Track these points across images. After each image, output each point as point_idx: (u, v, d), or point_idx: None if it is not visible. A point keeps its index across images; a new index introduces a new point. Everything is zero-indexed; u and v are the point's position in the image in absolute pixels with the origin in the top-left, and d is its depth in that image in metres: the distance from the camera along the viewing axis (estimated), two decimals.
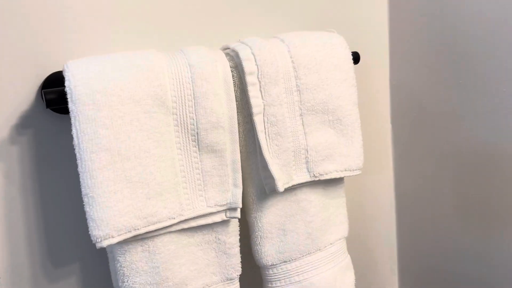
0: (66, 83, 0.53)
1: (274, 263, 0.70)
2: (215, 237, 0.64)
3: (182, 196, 0.59)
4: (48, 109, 0.62)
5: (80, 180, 0.54)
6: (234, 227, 0.66)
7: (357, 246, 0.91)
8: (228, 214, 0.63)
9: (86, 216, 0.54)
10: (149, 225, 0.56)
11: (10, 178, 0.62)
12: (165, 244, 0.60)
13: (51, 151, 0.64)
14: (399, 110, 0.94)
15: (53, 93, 0.56)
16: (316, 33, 0.71)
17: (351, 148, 0.71)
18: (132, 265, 0.58)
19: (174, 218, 0.58)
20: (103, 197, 0.54)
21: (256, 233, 0.69)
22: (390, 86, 0.94)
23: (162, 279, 0.59)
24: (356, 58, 0.76)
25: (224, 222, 0.64)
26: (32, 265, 0.65)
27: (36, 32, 0.61)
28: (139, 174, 0.56)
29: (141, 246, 0.59)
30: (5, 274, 0.63)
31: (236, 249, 0.66)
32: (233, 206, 0.62)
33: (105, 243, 0.54)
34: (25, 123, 0.62)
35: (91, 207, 0.54)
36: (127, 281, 0.58)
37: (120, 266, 0.58)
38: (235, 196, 0.62)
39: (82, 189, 0.54)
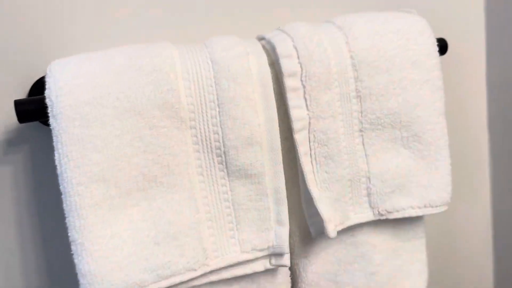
0: (46, 92, 0.41)
1: None
2: None
3: (206, 239, 0.45)
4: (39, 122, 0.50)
5: (66, 221, 0.41)
6: (283, 277, 0.50)
7: None
8: (273, 262, 0.47)
9: (76, 269, 0.41)
10: (160, 280, 0.43)
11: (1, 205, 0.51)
12: None
13: (48, 173, 0.51)
14: (498, 113, 0.73)
15: (27, 103, 0.43)
16: (387, 14, 0.52)
17: (434, 176, 0.51)
18: None
19: (196, 270, 0.44)
20: (95, 244, 0.41)
21: (299, 285, 0.53)
22: (487, 83, 0.73)
23: None
24: (442, 46, 0.56)
25: (269, 272, 0.49)
26: None
27: (22, 29, 0.48)
28: (143, 212, 0.43)
29: None
30: None
31: None
32: (278, 251, 0.46)
33: None
34: (12, 141, 0.51)
35: (80, 257, 0.41)
36: None
37: None
38: (280, 237, 0.46)
39: (69, 234, 0.41)
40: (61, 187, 0.40)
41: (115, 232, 0.41)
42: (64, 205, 0.40)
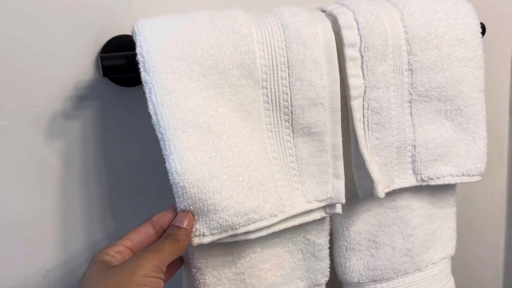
0: (138, 50, 0.43)
1: (361, 281, 0.57)
2: (303, 237, 0.54)
3: (280, 189, 0.48)
4: (110, 80, 0.53)
5: (167, 165, 0.42)
6: (325, 225, 0.55)
7: (458, 266, 0.75)
8: (328, 210, 0.52)
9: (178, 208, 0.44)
10: (249, 224, 0.45)
11: (67, 160, 0.54)
12: (250, 246, 0.51)
13: (114, 130, 0.55)
14: None
15: (112, 58, 0.46)
16: None
17: (472, 147, 0.55)
18: (214, 272, 0.50)
19: (276, 216, 0.47)
20: (196, 187, 0.43)
21: (341, 243, 0.57)
22: None
23: (247, 287, 0.51)
24: (481, 31, 0.59)
25: (315, 220, 0.53)
26: (86, 259, 0.57)
27: None
28: (236, 157, 0.45)
29: (224, 249, 0.49)
30: (56, 264, 0.56)
31: (325, 252, 0.56)
32: (335, 201, 0.51)
33: (195, 242, 0.44)
34: (83, 96, 0.54)
35: (181, 199, 0.43)
36: None
37: (201, 274, 0.49)
38: (337, 189, 0.51)
39: (171, 178, 0.42)
40: (158, 134, 0.42)
41: (214, 175, 0.43)
42: (164, 151, 0.42)
